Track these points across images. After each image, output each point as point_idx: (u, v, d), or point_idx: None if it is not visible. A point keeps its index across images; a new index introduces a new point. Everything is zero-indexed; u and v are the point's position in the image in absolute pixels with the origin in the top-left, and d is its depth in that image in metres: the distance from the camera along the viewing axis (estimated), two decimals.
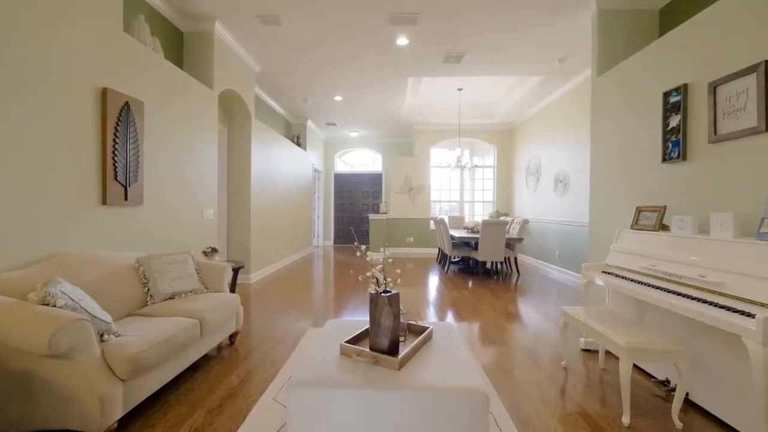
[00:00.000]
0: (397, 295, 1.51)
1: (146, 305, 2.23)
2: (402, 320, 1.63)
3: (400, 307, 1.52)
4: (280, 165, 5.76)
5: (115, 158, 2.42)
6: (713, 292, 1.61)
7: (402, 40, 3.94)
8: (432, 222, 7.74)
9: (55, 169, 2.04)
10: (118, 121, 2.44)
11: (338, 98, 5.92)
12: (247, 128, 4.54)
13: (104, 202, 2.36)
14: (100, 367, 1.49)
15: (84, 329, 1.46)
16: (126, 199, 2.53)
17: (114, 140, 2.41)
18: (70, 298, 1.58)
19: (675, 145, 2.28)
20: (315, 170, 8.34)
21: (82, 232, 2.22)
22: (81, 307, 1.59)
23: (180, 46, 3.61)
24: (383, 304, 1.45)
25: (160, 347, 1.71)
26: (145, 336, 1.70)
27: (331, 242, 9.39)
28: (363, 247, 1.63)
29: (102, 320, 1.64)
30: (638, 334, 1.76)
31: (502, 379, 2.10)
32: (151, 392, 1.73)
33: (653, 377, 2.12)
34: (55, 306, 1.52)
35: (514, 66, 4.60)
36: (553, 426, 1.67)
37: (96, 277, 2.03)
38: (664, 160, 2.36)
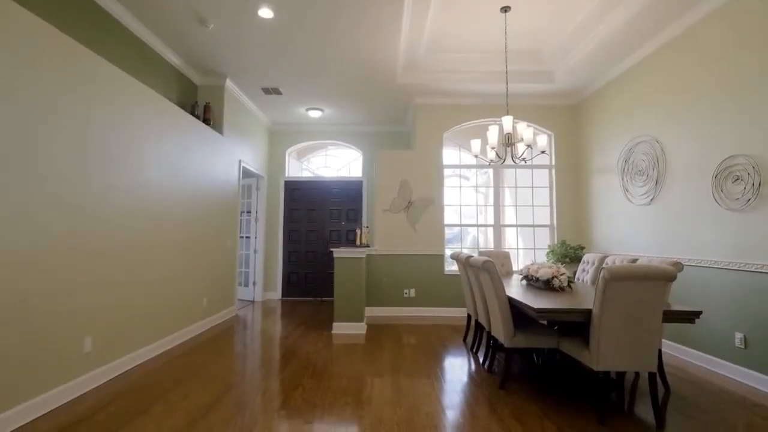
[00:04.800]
0: None
1: None
2: None
3: None
4: (160, 154, 3.31)
5: None
6: None
7: None
8: (455, 262, 4.10)
9: None
10: None
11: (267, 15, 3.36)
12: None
13: None
14: None
15: None
16: None
17: None
18: None
19: None
20: (249, 173, 5.66)
21: None
22: None
23: None
24: None
25: None
26: None
27: (277, 294, 6.21)
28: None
29: None
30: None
31: None
32: None
33: None
34: None
35: None
36: None
37: None
38: None
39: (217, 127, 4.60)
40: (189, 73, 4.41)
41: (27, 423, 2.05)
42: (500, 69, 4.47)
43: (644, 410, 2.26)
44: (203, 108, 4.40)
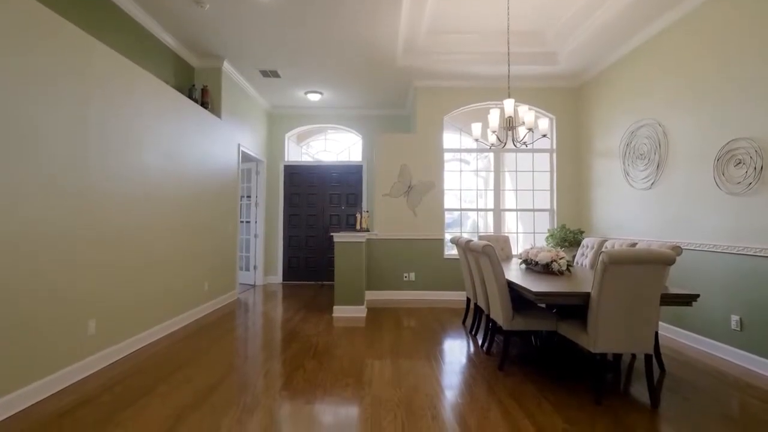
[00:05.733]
0: None
1: None
2: None
3: None
4: (159, 139, 3.26)
5: None
6: None
7: None
8: (455, 246, 3.98)
9: None
10: None
11: None
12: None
13: None
14: None
15: None
16: None
17: None
18: None
19: None
20: (248, 157, 5.64)
21: None
22: None
23: None
24: None
25: None
26: None
27: (278, 278, 6.25)
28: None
29: None
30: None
31: None
32: None
33: None
34: None
35: None
36: None
37: None
38: None
39: (215, 111, 4.51)
40: (186, 55, 4.30)
41: (34, 403, 2.08)
42: (502, 51, 4.38)
43: (640, 391, 2.29)
44: (200, 91, 4.31)
